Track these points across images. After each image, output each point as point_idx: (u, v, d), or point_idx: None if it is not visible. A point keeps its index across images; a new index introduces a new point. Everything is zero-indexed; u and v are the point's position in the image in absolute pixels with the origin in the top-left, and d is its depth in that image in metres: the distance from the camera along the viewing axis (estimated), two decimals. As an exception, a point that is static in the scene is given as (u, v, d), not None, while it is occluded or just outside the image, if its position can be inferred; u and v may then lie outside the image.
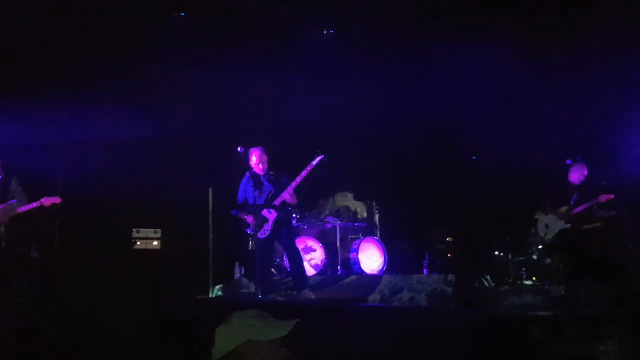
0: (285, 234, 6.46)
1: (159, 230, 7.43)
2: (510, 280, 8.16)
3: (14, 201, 6.29)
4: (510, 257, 8.44)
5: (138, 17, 8.18)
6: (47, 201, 6.38)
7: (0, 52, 7.66)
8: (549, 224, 7.07)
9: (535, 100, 9.14)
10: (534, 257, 8.18)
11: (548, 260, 8.26)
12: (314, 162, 6.47)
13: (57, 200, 6.40)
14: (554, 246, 7.16)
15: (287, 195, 6.28)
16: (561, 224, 6.92)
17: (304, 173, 6.42)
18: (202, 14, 8.58)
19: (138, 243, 7.17)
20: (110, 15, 7.97)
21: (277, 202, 6.35)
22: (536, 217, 7.36)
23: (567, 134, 8.53)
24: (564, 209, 6.92)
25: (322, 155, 6.50)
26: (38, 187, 6.64)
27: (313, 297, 6.13)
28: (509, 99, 9.35)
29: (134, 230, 7.24)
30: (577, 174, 7.02)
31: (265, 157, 6.58)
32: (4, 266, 6.26)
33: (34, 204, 6.35)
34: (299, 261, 6.49)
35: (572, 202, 6.92)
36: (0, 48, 7.63)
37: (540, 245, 8.10)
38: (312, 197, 8.74)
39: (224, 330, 2.05)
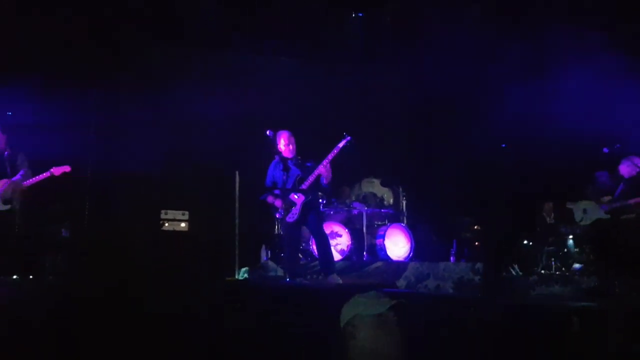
0: (313, 218, 6.43)
1: (186, 212, 7.46)
2: (539, 270, 8.03)
3: (18, 177, 6.37)
4: (539, 246, 8.31)
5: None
6: (56, 170, 6.47)
7: (28, 31, 7.72)
8: (587, 210, 6.85)
9: (568, 86, 8.94)
10: (565, 246, 8.04)
11: (577, 250, 8.13)
12: (341, 144, 6.41)
13: (67, 169, 6.48)
14: (587, 235, 6.96)
15: (322, 169, 6.18)
16: (600, 213, 6.72)
17: (330, 156, 6.37)
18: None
19: (166, 224, 7.20)
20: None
21: (305, 186, 6.32)
22: (568, 206, 7.20)
23: (603, 119, 8.33)
24: (606, 199, 6.74)
25: (349, 137, 6.44)
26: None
27: (340, 281, 6.11)
28: (540, 85, 9.17)
29: (162, 211, 7.27)
30: (629, 168, 6.77)
31: (293, 140, 6.55)
32: (37, 245, 6.35)
33: (44, 175, 6.45)
34: (327, 246, 6.46)
35: (616, 194, 6.72)
36: (29, 27, 7.69)
37: (571, 235, 7.96)
38: (338, 183, 8.70)
39: (345, 307, 2.23)
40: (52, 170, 6.45)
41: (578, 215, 6.93)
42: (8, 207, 6.29)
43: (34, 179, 6.45)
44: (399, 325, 2.16)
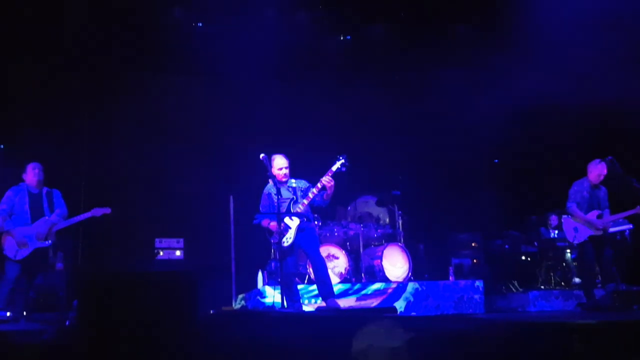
0: (308, 242, 6.35)
1: (181, 239, 7.41)
2: (539, 285, 7.99)
3: (55, 217, 6.37)
4: (538, 261, 8.27)
5: (154, 27, 8.25)
6: (97, 212, 6.49)
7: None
8: (578, 228, 6.78)
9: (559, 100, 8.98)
10: (563, 260, 7.99)
11: (576, 264, 8.09)
12: (334, 167, 6.36)
13: (107, 210, 6.49)
14: (583, 251, 6.87)
15: (326, 182, 6.12)
16: (591, 230, 6.65)
17: (325, 177, 6.32)
18: (217, 24, 8.63)
19: (161, 253, 7.15)
20: (126, 26, 8.04)
21: (299, 210, 6.27)
22: (562, 220, 7.14)
23: (591, 130, 8.33)
24: (593, 215, 6.65)
25: (343, 159, 6.39)
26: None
27: (340, 305, 6.04)
28: (529, 100, 9.21)
29: (157, 240, 7.23)
30: (595, 172, 6.72)
31: (287, 163, 6.50)
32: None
33: (86, 215, 6.47)
34: (324, 269, 6.37)
35: (599, 201, 6.64)
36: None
37: (569, 249, 7.92)
38: (333, 204, 8.66)
39: (358, 336, 2.29)
40: (93, 211, 6.47)
41: (570, 235, 6.84)
42: (49, 242, 6.36)
43: (75, 218, 6.48)
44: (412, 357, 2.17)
